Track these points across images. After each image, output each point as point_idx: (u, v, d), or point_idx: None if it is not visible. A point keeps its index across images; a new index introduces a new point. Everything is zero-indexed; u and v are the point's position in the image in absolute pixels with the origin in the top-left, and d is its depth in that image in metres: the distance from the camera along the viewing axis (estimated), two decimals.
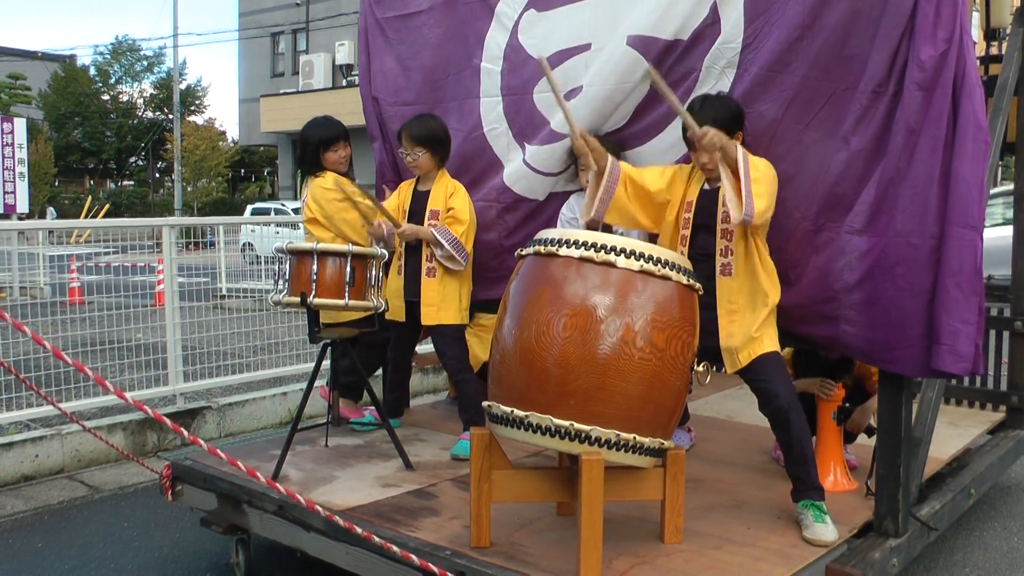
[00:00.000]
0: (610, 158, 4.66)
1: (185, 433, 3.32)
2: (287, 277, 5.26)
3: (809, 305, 4.61)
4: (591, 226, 4.77)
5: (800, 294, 4.63)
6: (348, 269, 5.15)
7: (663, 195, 4.76)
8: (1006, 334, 7.03)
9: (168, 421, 3.35)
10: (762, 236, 4.54)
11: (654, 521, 4.37)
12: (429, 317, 5.65)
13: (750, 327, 4.48)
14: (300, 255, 5.20)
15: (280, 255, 5.30)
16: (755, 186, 4.24)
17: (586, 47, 5.44)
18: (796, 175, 4.63)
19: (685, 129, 4.60)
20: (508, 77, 5.83)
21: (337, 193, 5.81)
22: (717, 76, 4.91)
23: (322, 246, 5.16)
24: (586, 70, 5.43)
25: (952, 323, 4.14)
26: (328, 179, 5.93)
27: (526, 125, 5.79)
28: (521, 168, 5.77)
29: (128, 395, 7.58)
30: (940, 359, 4.19)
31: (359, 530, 3.73)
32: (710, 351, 4.48)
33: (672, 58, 5.09)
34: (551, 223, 5.65)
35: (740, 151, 4.29)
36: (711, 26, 4.91)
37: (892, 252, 4.25)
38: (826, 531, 4.37)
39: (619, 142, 5.30)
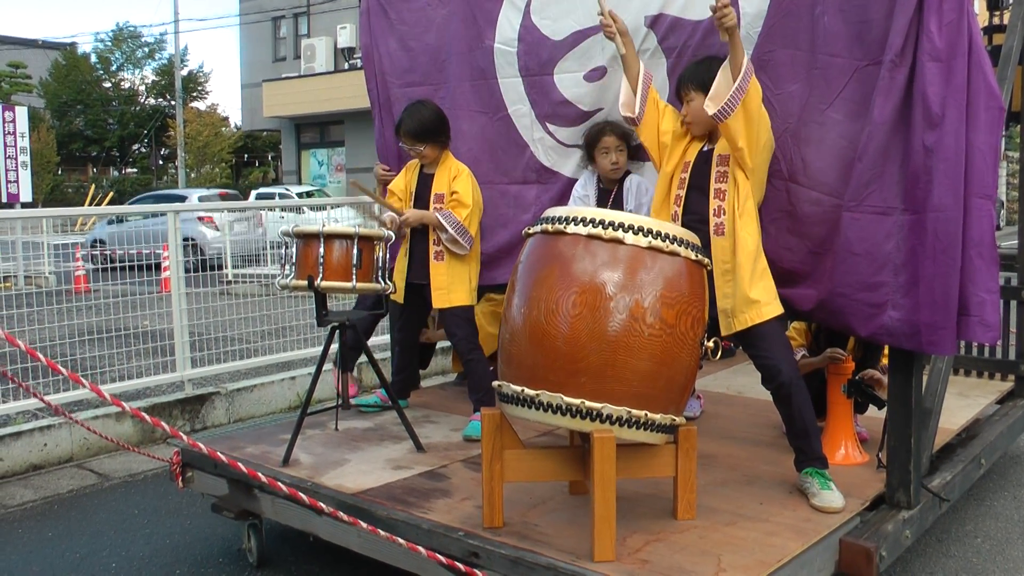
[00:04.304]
0: (642, 66, 4.87)
1: (165, 426, 3.30)
2: (294, 261, 5.25)
3: (851, 295, 4.47)
4: (630, 122, 4.96)
5: (837, 282, 4.51)
6: (355, 251, 5.13)
7: (667, 136, 4.85)
8: (1013, 303, 7.03)
9: (146, 417, 3.32)
10: (748, 192, 4.57)
11: (667, 498, 4.37)
12: (440, 300, 5.67)
13: (744, 285, 4.48)
14: (306, 238, 5.18)
15: (286, 239, 5.29)
16: (752, 106, 4.38)
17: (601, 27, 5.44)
18: (820, 157, 4.60)
19: (679, 85, 4.76)
20: (525, 58, 5.83)
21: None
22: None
23: (328, 229, 5.15)
24: (602, 52, 5.45)
25: (978, 293, 4.13)
26: None
27: (548, 106, 5.81)
28: (557, 147, 5.84)
29: (136, 383, 7.63)
30: (970, 330, 4.18)
31: (364, 525, 3.73)
32: (714, 321, 4.49)
33: (692, 37, 5.10)
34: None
35: (747, 60, 4.37)
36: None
37: (930, 228, 4.15)
38: (834, 497, 4.42)
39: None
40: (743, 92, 4.32)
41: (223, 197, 26.47)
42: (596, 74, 5.51)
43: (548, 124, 5.79)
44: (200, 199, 24.13)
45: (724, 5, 4.27)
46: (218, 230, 16.66)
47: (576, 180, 5.77)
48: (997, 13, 8.62)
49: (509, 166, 6.01)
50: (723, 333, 4.55)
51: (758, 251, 4.55)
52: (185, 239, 11.91)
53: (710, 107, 4.38)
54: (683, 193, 4.72)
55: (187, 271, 8.52)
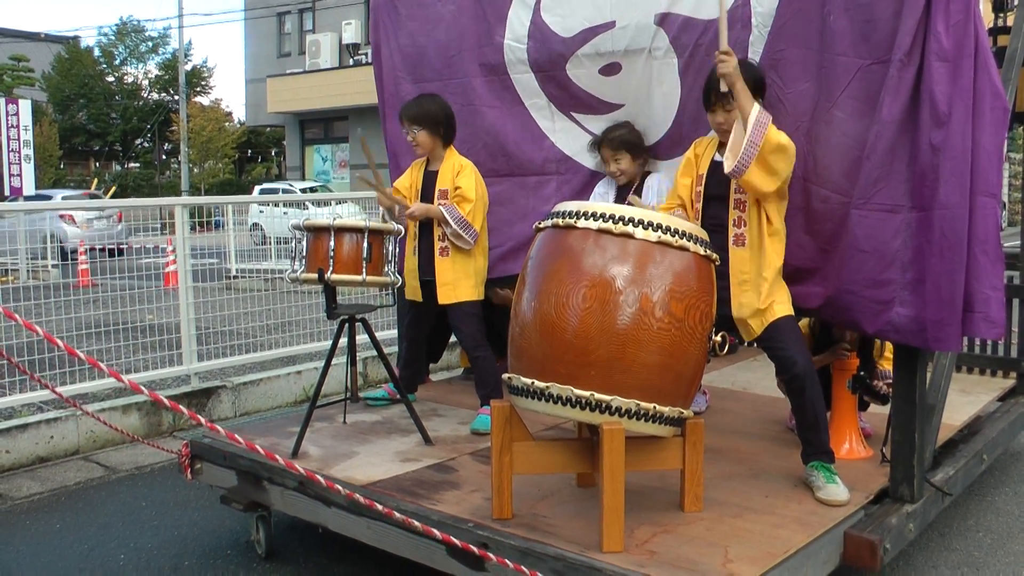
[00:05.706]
0: (757, 105, 4.46)
1: (184, 410, 3.32)
2: (304, 254, 5.28)
3: (858, 292, 4.50)
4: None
5: (845, 279, 4.55)
6: (365, 245, 5.17)
7: (687, 180, 4.89)
8: (1016, 301, 7.06)
9: (166, 400, 3.34)
10: (775, 209, 4.57)
11: (673, 491, 4.41)
12: (445, 296, 5.70)
13: (759, 297, 4.52)
14: (317, 232, 5.22)
15: (297, 232, 5.32)
16: (770, 157, 4.33)
17: (611, 24, 5.48)
18: (827, 155, 4.63)
19: (707, 90, 4.67)
20: (536, 54, 5.86)
21: None
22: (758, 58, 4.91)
23: (339, 222, 5.18)
24: (613, 47, 5.49)
25: (983, 290, 4.17)
26: None
27: (569, 99, 5.86)
28: (583, 136, 5.87)
29: (142, 375, 7.66)
30: (975, 326, 4.22)
31: (380, 507, 3.74)
32: (723, 318, 4.52)
33: (704, 36, 5.13)
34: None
35: (756, 107, 4.36)
36: (742, 7, 4.91)
37: (937, 225, 4.19)
38: (839, 491, 4.46)
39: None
40: (756, 147, 4.30)
41: (88, 196, 28.14)
42: (610, 69, 5.55)
43: (575, 113, 5.84)
44: (64, 199, 25.34)
45: (725, 52, 4.35)
46: (79, 226, 18.87)
47: (598, 173, 5.80)
48: (1002, 15, 8.66)
49: (526, 158, 6.03)
50: (745, 340, 4.64)
51: (781, 265, 4.61)
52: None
53: (728, 163, 4.38)
54: (700, 206, 4.75)
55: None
